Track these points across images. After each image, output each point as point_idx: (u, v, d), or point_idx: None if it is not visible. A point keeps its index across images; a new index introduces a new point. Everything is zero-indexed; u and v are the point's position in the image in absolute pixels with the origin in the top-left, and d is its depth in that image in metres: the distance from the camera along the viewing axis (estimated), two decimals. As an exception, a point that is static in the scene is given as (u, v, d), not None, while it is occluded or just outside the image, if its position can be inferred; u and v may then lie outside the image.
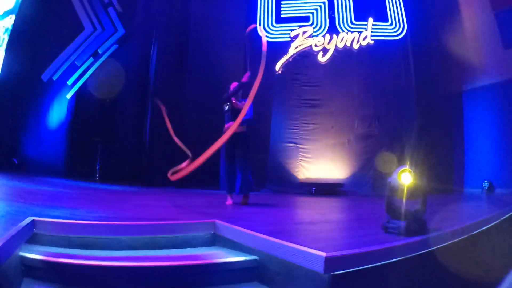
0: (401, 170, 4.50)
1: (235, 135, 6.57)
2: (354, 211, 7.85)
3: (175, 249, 4.54)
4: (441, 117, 9.87)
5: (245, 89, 6.96)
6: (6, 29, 12.20)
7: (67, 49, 11.74)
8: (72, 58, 11.74)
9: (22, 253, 3.89)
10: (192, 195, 8.58)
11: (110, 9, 11.86)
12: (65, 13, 11.80)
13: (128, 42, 11.64)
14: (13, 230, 3.93)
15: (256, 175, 9.65)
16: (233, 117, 6.66)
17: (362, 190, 9.72)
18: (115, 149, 11.28)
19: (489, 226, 5.56)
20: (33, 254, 3.94)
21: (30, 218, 4.45)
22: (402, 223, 4.39)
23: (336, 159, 10.09)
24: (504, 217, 5.99)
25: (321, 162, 10.11)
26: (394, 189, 4.47)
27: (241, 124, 6.64)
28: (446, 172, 9.85)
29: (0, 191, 7.30)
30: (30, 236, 4.36)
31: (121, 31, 11.68)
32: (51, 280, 3.87)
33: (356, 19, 10.61)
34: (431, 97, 10.13)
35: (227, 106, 6.94)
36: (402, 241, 4.14)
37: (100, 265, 3.96)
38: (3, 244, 3.43)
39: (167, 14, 11.16)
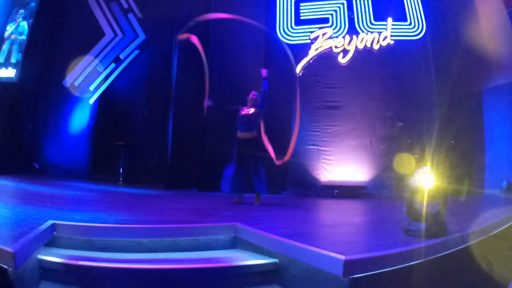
0: (422, 171, 4.46)
1: (247, 140, 7.24)
2: (375, 213, 7.80)
3: (196, 252, 4.56)
4: (461, 117, 9.72)
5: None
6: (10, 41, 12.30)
7: (88, 55, 11.88)
8: (94, 64, 11.88)
9: (40, 256, 3.94)
10: (213, 198, 8.59)
11: (130, 15, 11.99)
12: (85, 19, 11.98)
13: (150, 47, 11.75)
14: (32, 234, 3.98)
15: (277, 178, 9.70)
16: (247, 125, 7.40)
17: (384, 192, 9.64)
18: (138, 152, 11.39)
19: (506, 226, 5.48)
20: (52, 257, 3.99)
21: (50, 222, 4.51)
22: (423, 225, 4.35)
23: (358, 161, 10.01)
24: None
25: (343, 164, 10.04)
26: (415, 191, 4.44)
27: (252, 130, 7.41)
28: (467, 173, 9.69)
29: (21, 195, 7.40)
30: (50, 239, 4.41)
31: (142, 36, 11.79)
32: (70, 282, 3.91)
33: (375, 19, 10.52)
34: (451, 97, 9.99)
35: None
36: (422, 244, 4.10)
37: (121, 267, 3.99)
38: (19, 248, 3.48)
39: (186, 18, 11.19)
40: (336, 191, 9.72)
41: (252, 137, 7.47)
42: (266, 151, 7.56)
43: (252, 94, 7.71)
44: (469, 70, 10.12)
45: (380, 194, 9.56)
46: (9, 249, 3.38)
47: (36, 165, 11.71)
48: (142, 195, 8.37)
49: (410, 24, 10.46)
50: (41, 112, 12.16)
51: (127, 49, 11.79)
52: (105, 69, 11.84)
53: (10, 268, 3.34)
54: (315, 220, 6.76)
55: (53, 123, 11.96)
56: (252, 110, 7.54)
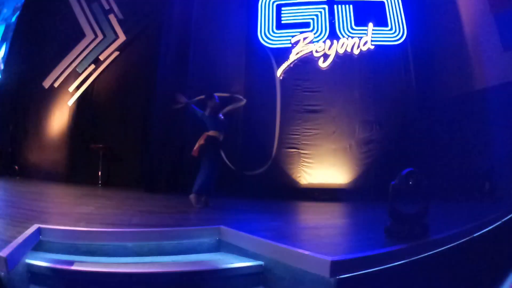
0: (403, 174, 4.55)
1: (219, 142, 7.51)
2: (357, 215, 7.90)
3: (181, 255, 4.58)
4: (450, 120, 9.83)
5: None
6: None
7: (68, 56, 11.76)
8: (73, 65, 11.77)
9: (28, 260, 3.93)
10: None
11: (111, 16, 11.90)
12: (65, 20, 11.85)
13: (130, 48, 11.67)
14: (20, 238, 3.97)
15: (258, 181, 9.75)
16: (216, 126, 7.45)
17: (364, 195, 9.70)
18: (117, 155, 11.29)
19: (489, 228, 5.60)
20: (40, 261, 3.99)
21: (36, 226, 4.49)
22: (405, 227, 4.44)
23: (338, 164, 10.08)
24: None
25: (323, 167, 10.10)
26: (397, 193, 4.52)
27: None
28: (454, 176, 9.74)
29: (4, 198, 7.31)
30: (36, 243, 4.39)
31: (122, 37, 11.71)
32: (57, 287, 3.91)
33: (356, 24, 10.59)
34: (435, 100, 10.15)
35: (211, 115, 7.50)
36: (405, 245, 4.19)
37: (107, 271, 4.00)
38: (10, 252, 3.47)
39: (168, 20, 11.18)
40: (317, 193, 9.77)
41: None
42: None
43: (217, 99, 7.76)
44: (452, 73, 10.26)
45: (360, 196, 9.62)
46: (1, 254, 3.40)
47: (16, 167, 11.56)
48: (123, 198, 8.33)
49: (391, 29, 10.56)
50: (20, 114, 11.98)
51: (107, 50, 11.70)
52: (84, 70, 11.73)
53: (2, 273, 3.35)
54: (298, 222, 6.83)
55: (33, 124, 11.81)
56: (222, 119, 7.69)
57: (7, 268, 3.35)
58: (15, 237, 4.00)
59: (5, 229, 4.51)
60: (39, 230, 4.48)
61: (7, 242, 3.79)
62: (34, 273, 3.92)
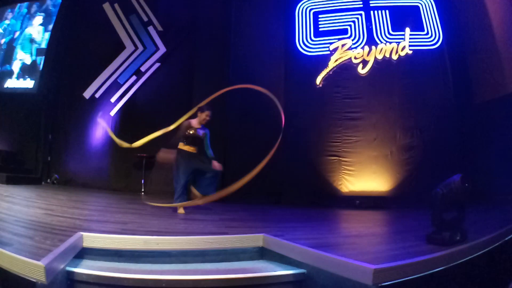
0: (448, 181, 4.50)
1: (191, 154, 7.65)
2: (399, 223, 7.78)
3: (224, 263, 4.59)
4: (488, 125, 9.63)
5: None
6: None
7: (108, 67, 12.04)
8: (114, 76, 12.04)
9: (69, 268, 3.98)
10: (237, 209, 8.62)
11: (150, 28, 12.13)
12: (105, 32, 12.15)
13: (170, 59, 11.86)
14: (62, 247, 4.02)
15: (300, 189, 9.73)
16: (193, 143, 7.68)
17: (406, 202, 9.58)
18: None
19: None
20: (81, 269, 4.03)
21: (79, 233, 4.55)
22: (446, 233, 4.40)
23: (379, 171, 9.99)
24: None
25: (364, 174, 10.03)
26: (439, 199, 4.48)
27: (197, 146, 7.75)
28: (494, 180, 9.54)
29: (44, 207, 7.45)
30: (79, 251, 4.45)
31: (162, 49, 11.92)
32: (99, 294, 3.96)
33: (393, 30, 10.54)
34: (472, 104, 9.96)
35: (190, 131, 7.67)
36: (446, 251, 4.15)
37: (150, 278, 4.03)
38: (50, 261, 3.51)
39: (207, 31, 11.32)
40: (358, 201, 9.69)
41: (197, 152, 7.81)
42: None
43: (208, 115, 7.83)
44: (487, 77, 10.06)
45: (402, 203, 9.50)
46: (40, 263, 3.40)
47: (57, 176, 11.84)
48: (166, 206, 8.41)
49: (427, 33, 10.45)
50: (61, 124, 12.30)
51: (147, 62, 11.92)
52: (126, 81, 11.98)
53: (40, 282, 3.37)
54: (339, 230, 6.76)
55: (74, 134, 12.09)
56: (201, 135, 7.77)
57: (46, 277, 3.37)
58: (56, 246, 4.04)
59: (45, 237, 4.56)
60: (81, 238, 4.54)
61: (47, 251, 3.79)
62: (75, 280, 3.94)
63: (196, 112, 7.87)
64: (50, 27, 12.86)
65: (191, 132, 7.65)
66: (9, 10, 13.50)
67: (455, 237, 4.42)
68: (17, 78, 12.83)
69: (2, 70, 12.98)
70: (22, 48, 13.05)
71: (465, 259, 4.27)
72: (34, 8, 13.29)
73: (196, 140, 7.73)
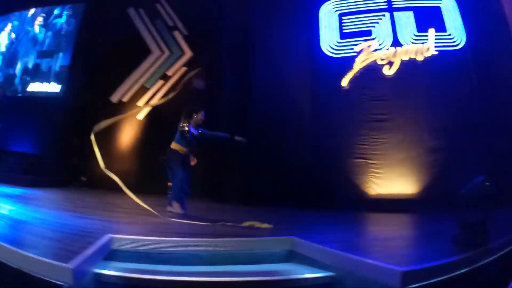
0: (473, 182, 4.49)
1: (184, 155, 7.88)
2: (426, 225, 7.75)
3: (253, 265, 4.61)
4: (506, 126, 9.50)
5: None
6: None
7: (135, 72, 12.18)
8: (141, 80, 12.17)
9: (97, 270, 4.02)
10: (264, 211, 8.63)
11: (176, 33, 12.24)
12: (131, 36, 12.33)
13: (196, 64, 11.90)
14: (91, 249, 4.08)
15: (327, 192, 9.69)
16: (189, 144, 7.86)
17: (433, 204, 9.45)
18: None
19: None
20: (110, 271, 4.08)
21: (108, 236, 4.61)
22: (472, 234, 4.42)
23: (407, 173, 9.86)
24: None
25: (391, 177, 9.91)
26: (465, 201, 4.48)
27: (192, 147, 7.95)
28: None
29: (72, 209, 7.55)
30: (108, 253, 4.50)
31: (188, 53, 12.01)
32: (128, 296, 3.99)
33: (418, 31, 10.45)
34: (497, 105, 9.79)
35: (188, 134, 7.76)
36: (471, 252, 4.15)
37: (179, 280, 4.07)
38: (78, 264, 3.56)
39: (231, 35, 11.37)
40: (385, 204, 9.59)
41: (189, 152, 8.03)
42: None
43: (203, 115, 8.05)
44: (506, 78, 9.93)
45: (429, 205, 9.37)
46: (67, 266, 3.47)
47: (84, 178, 11.99)
48: (193, 208, 8.47)
49: (450, 34, 10.33)
50: (87, 127, 12.43)
51: (174, 66, 12.03)
52: (152, 85, 12.09)
53: (66, 285, 3.41)
54: (368, 233, 6.76)
55: (102, 137, 12.20)
56: (196, 134, 7.94)
57: (73, 280, 3.41)
58: (85, 248, 4.09)
59: (73, 240, 4.62)
60: (111, 240, 4.59)
61: (76, 253, 3.85)
62: (102, 282, 3.98)
63: (191, 114, 7.95)
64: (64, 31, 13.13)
65: (186, 134, 7.74)
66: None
67: (480, 239, 4.42)
68: (41, 82, 13.07)
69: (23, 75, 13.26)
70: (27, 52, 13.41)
71: (488, 260, 4.27)
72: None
73: (192, 141, 7.88)
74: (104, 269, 4.10)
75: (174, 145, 7.89)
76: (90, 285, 3.90)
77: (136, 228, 5.73)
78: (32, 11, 13.96)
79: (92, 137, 8.74)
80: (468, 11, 10.41)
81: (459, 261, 4.03)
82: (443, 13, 10.46)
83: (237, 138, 7.89)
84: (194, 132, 7.85)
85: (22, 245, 4.07)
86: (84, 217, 6.63)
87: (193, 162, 8.04)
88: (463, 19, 10.36)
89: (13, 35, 13.97)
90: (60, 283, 3.43)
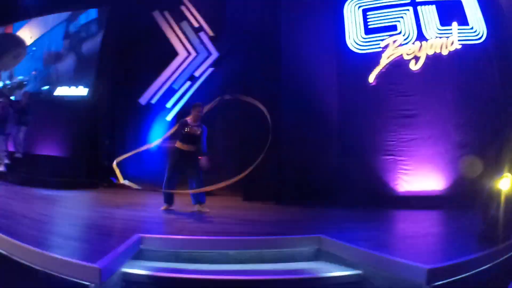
0: (498, 177, 4.48)
1: (187, 153, 7.75)
2: (453, 222, 7.69)
3: (281, 263, 4.66)
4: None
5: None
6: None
7: (163, 74, 12.36)
8: (169, 82, 12.33)
9: (124, 269, 4.09)
10: (292, 210, 8.67)
11: (201, 34, 12.35)
12: (157, 39, 12.49)
13: (223, 64, 12.01)
14: (119, 249, 4.16)
15: (355, 189, 9.66)
16: (191, 141, 7.81)
17: (461, 200, 9.33)
18: (215, 165, 11.58)
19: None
20: (138, 270, 4.16)
21: (137, 235, 4.70)
22: (497, 230, 4.42)
23: (435, 169, 9.77)
24: None
25: (420, 173, 9.82)
26: (491, 197, 4.49)
27: (194, 144, 7.84)
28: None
29: (102, 210, 7.69)
30: (136, 252, 4.58)
31: (215, 54, 12.11)
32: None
33: (441, 24, 10.33)
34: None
35: (186, 129, 7.83)
36: (497, 247, 4.14)
37: (208, 278, 4.15)
38: (106, 264, 3.63)
39: (258, 34, 11.38)
40: (414, 201, 9.50)
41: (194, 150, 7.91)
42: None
43: (199, 111, 8.04)
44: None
45: (458, 202, 9.26)
46: (95, 266, 3.53)
47: (114, 179, 12.19)
48: (222, 207, 8.56)
49: (472, 28, 10.20)
50: (117, 129, 12.68)
51: (201, 67, 12.15)
52: (180, 87, 12.25)
53: (93, 285, 3.47)
54: (395, 231, 6.75)
55: (131, 139, 12.40)
56: (198, 132, 7.93)
57: (100, 279, 3.48)
58: (114, 247, 4.17)
59: (101, 240, 4.71)
60: (140, 239, 4.67)
61: (103, 253, 3.92)
62: (130, 281, 4.06)
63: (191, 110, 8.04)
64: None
65: (187, 130, 7.77)
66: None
67: (504, 234, 4.42)
68: (69, 85, 13.39)
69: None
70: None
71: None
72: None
73: (193, 138, 7.88)
74: (132, 268, 4.17)
75: (177, 143, 7.96)
76: (118, 285, 3.97)
77: (164, 228, 5.83)
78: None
79: (115, 166, 8.98)
80: (488, 3, 10.30)
81: (482, 257, 4.03)
82: (464, 6, 10.33)
83: (226, 96, 7.88)
84: (193, 128, 7.88)
85: (49, 246, 4.17)
86: (113, 217, 6.75)
87: (204, 163, 7.91)
88: (484, 12, 10.23)
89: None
90: (87, 283, 3.49)
